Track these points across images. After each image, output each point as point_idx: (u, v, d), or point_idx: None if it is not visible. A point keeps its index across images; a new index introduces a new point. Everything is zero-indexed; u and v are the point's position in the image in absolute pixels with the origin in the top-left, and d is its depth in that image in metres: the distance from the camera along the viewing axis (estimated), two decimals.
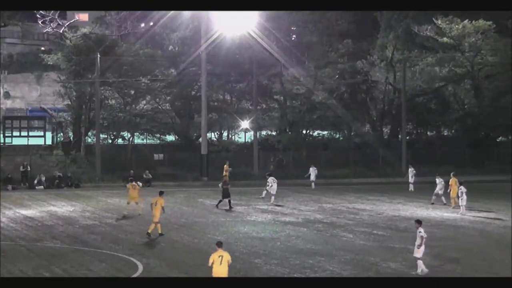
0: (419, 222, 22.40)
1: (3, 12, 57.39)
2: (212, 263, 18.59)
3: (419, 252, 21.93)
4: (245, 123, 59.32)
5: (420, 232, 21.95)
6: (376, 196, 43.23)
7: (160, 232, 29.23)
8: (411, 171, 46.94)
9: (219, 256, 18.65)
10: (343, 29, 60.97)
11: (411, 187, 46.21)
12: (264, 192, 41.40)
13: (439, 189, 39.38)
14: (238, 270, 22.46)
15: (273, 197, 40.03)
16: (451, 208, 37.09)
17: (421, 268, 21.89)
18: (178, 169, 55.10)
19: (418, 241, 21.93)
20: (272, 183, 40.43)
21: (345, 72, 61.25)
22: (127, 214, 35.00)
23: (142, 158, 56.25)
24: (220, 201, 38.02)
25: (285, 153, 59.30)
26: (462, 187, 35.66)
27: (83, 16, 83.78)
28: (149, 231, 29.01)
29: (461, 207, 35.45)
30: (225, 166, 50.67)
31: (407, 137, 62.17)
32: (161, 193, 30.19)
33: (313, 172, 48.95)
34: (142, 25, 68.34)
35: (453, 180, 37.76)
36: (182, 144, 60.67)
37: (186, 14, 58.47)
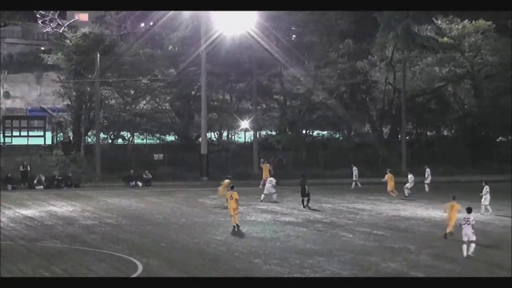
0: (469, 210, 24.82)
1: (3, 12, 57.42)
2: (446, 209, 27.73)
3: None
4: (245, 123, 59.32)
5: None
6: (376, 196, 43.21)
7: (235, 225, 30.36)
8: (427, 171, 47.00)
9: (452, 206, 27.69)
10: (343, 29, 60.94)
11: (426, 188, 46.21)
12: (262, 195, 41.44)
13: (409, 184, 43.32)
14: (238, 270, 22.47)
15: (263, 196, 40.47)
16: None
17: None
18: (178, 169, 55.11)
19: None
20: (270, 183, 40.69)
21: (345, 72, 61.23)
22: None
23: (142, 158, 56.27)
24: (303, 200, 38.21)
25: (285, 153, 59.29)
26: (487, 186, 35.78)
27: (83, 16, 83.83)
28: (237, 222, 30.37)
29: (482, 207, 35.41)
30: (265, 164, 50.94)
31: (407, 137, 62.19)
32: (232, 187, 31.51)
33: (355, 171, 48.57)
34: (142, 25, 68.39)
35: (388, 176, 42.91)
36: (182, 144, 60.69)
37: (186, 14, 58.45)
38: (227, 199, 31.22)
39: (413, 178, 43.60)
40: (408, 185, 43.22)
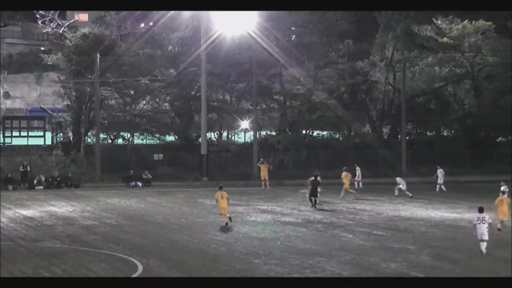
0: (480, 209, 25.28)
1: (3, 12, 57.43)
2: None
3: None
4: (245, 123, 59.34)
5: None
6: (376, 196, 43.22)
7: (228, 221, 31.17)
8: (440, 172, 47.06)
9: (501, 200, 30.22)
10: (343, 29, 60.91)
11: (443, 187, 46.41)
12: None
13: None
14: (238, 270, 22.46)
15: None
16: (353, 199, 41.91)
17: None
18: (178, 169, 55.14)
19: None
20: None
21: (345, 73, 61.22)
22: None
23: (142, 158, 56.27)
24: (311, 199, 38.24)
25: (285, 153, 59.31)
26: (505, 186, 35.75)
27: (83, 16, 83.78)
28: (227, 219, 31.22)
29: None
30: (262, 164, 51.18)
31: (407, 137, 62.16)
32: (221, 188, 32.09)
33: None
34: (142, 25, 68.37)
35: (344, 175, 43.67)
36: (182, 144, 60.69)
37: (186, 14, 58.45)
38: (217, 199, 31.58)
39: (402, 180, 43.85)
40: (402, 187, 43.29)
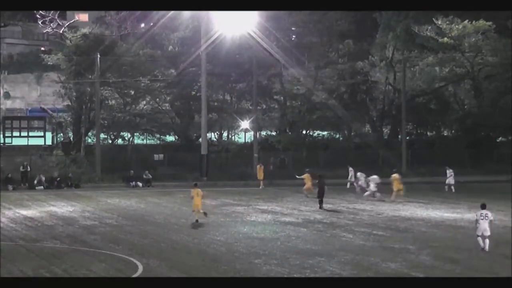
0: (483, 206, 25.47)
1: (3, 12, 57.44)
2: None
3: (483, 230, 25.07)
4: (245, 123, 59.38)
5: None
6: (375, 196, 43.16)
7: (197, 219, 32.16)
8: (449, 172, 46.98)
9: None
10: (343, 29, 61.02)
11: (446, 188, 46.33)
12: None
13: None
14: (238, 270, 22.46)
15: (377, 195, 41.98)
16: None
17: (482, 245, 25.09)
18: (178, 169, 55.15)
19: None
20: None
21: (345, 73, 61.28)
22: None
23: (142, 158, 56.33)
24: (321, 202, 38.09)
25: (285, 154, 59.33)
26: None
27: (83, 16, 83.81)
28: (197, 218, 32.12)
29: None
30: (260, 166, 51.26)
31: (407, 138, 62.22)
32: (196, 185, 33.20)
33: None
34: (142, 25, 68.39)
35: (306, 176, 42.87)
36: (182, 144, 60.74)
37: (186, 14, 58.50)
38: (193, 196, 32.16)
39: (362, 176, 44.20)
40: (361, 184, 43.85)
